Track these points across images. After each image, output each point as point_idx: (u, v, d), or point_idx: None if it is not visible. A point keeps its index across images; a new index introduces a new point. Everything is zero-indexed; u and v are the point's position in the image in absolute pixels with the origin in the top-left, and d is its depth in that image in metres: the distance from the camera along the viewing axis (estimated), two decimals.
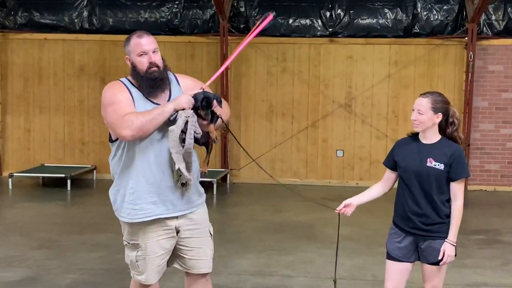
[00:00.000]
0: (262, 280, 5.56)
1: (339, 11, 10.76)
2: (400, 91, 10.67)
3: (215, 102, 3.34)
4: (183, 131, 3.21)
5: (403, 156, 3.66)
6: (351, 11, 10.74)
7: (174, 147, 3.22)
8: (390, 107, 10.71)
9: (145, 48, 3.33)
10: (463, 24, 10.45)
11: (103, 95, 3.35)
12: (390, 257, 3.72)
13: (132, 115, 3.19)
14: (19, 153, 11.27)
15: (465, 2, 10.33)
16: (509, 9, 10.49)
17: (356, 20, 10.75)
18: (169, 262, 3.54)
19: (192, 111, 3.27)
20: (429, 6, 10.62)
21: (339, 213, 3.77)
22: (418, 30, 10.67)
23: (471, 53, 10.18)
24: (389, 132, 10.65)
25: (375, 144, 10.75)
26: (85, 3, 11.02)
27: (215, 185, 9.63)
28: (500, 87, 10.49)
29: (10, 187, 10.02)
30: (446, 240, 3.53)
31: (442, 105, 3.58)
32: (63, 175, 10.01)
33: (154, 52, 3.35)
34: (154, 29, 10.44)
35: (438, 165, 3.53)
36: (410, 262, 3.69)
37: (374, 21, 10.71)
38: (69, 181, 9.90)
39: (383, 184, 3.83)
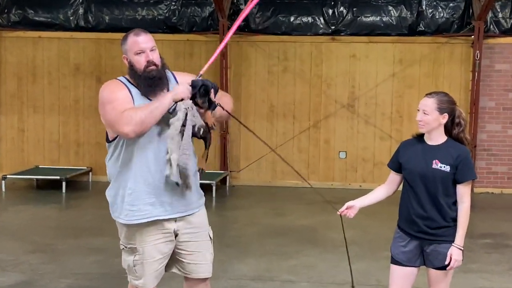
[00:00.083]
0: (262, 285, 5.53)
1: (341, 8, 10.59)
2: (405, 90, 10.50)
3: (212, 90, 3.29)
4: (183, 124, 3.19)
5: (408, 157, 3.62)
6: (354, 9, 10.56)
7: (173, 138, 3.19)
8: (394, 107, 10.54)
9: (143, 47, 3.29)
10: (470, 22, 10.30)
11: (100, 93, 3.32)
12: (394, 261, 3.68)
13: (131, 110, 3.18)
14: (12, 154, 11.11)
15: None
16: None
17: (359, 17, 10.58)
18: (168, 267, 3.50)
19: (191, 101, 3.22)
20: (435, 3, 10.45)
21: (341, 215, 3.72)
22: (423, 28, 10.49)
23: (478, 51, 10.05)
24: (393, 133, 10.46)
25: (378, 145, 10.56)
26: (80, 0, 10.87)
27: (214, 188, 9.57)
28: (507, 87, 10.35)
29: (4, 189, 9.93)
30: (453, 244, 3.49)
31: (448, 106, 3.54)
32: (58, 177, 9.90)
33: (151, 50, 3.31)
34: (151, 27, 10.24)
35: (444, 167, 3.48)
36: (415, 266, 3.65)
37: (378, 18, 10.54)
38: (64, 184, 9.80)
39: (387, 186, 3.79)
